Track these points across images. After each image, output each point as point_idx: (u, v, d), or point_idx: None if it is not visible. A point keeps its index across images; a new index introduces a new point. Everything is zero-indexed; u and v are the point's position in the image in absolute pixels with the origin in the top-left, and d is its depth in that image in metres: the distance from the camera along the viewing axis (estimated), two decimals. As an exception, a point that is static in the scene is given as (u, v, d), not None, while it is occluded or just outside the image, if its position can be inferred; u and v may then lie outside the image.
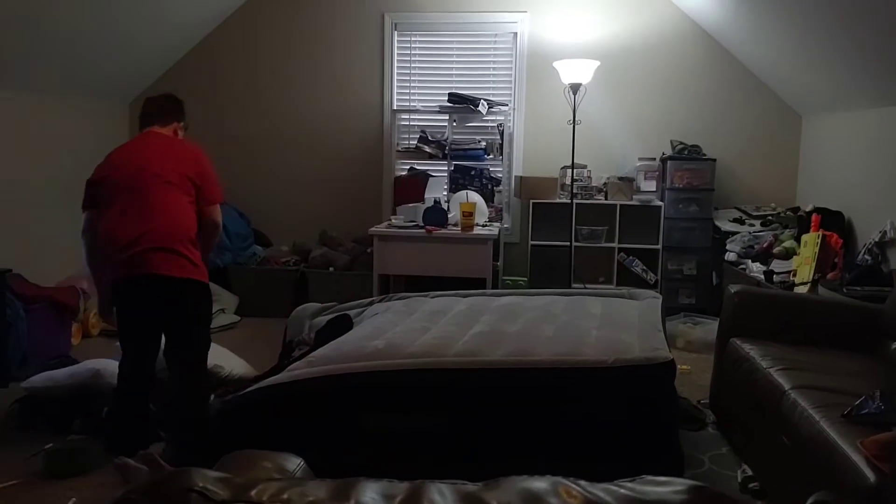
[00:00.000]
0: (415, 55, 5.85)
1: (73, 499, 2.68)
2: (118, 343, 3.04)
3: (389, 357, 2.75)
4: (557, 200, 5.44)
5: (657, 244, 5.44)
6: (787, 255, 4.58)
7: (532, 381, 2.61)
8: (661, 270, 5.48)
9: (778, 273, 4.38)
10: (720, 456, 3.11)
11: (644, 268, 5.53)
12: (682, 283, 5.46)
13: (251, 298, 5.43)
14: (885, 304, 3.24)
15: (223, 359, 3.65)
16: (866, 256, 4.15)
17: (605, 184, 5.51)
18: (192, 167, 2.91)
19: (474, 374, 2.63)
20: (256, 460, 1.61)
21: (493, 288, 4.81)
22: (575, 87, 4.97)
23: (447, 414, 2.62)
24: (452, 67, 5.82)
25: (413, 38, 5.84)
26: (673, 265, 5.46)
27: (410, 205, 5.18)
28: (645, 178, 5.46)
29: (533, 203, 5.46)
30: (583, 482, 1.17)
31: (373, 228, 4.98)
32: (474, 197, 5.12)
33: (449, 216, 4.91)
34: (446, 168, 5.57)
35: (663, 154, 5.50)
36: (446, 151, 5.55)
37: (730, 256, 5.02)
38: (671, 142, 5.50)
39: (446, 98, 5.45)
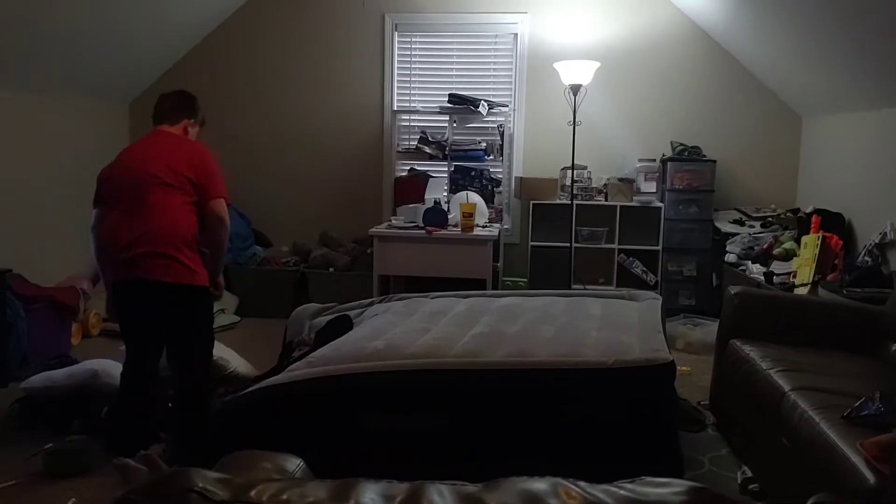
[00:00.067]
0: (415, 56, 5.86)
1: (73, 499, 2.68)
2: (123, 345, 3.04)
3: (389, 358, 2.75)
4: (557, 201, 5.44)
5: (657, 245, 5.44)
6: (788, 256, 4.58)
7: (532, 382, 2.61)
8: (661, 272, 5.48)
9: (778, 274, 4.38)
10: (720, 457, 3.11)
11: (644, 269, 5.53)
12: (682, 285, 5.46)
13: (251, 299, 5.43)
14: (886, 305, 3.24)
15: (227, 355, 3.65)
16: (866, 258, 4.15)
17: (605, 185, 5.51)
18: (190, 166, 2.85)
19: (474, 374, 2.63)
20: (256, 461, 1.61)
21: (492, 289, 4.81)
22: (575, 88, 4.97)
23: (447, 415, 2.62)
24: (453, 68, 5.82)
25: (413, 39, 5.84)
26: (673, 266, 5.46)
27: (410, 205, 5.19)
28: (645, 180, 5.46)
29: (533, 204, 5.46)
30: (582, 483, 1.17)
31: (373, 229, 4.98)
32: (474, 198, 5.12)
33: (449, 217, 4.91)
34: (446, 169, 5.58)
35: (663, 155, 5.50)
36: (446, 152, 5.55)
37: (730, 258, 5.02)
38: (671, 143, 5.51)
39: (446, 99, 5.46)
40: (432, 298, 3.86)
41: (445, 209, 4.98)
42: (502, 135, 5.56)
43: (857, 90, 4.47)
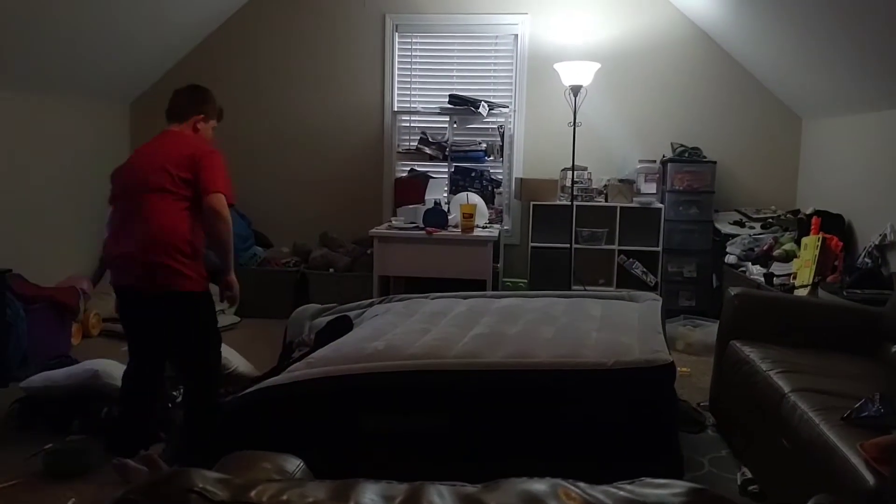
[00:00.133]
0: (416, 57, 5.86)
1: (73, 499, 2.68)
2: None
3: (389, 358, 2.75)
4: (558, 202, 5.44)
5: (657, 246, 5.44)
6: (788, 257, 4.58)
7: (532, 383, 2.61)
8: (661, 273, 5.48)
9: (778, 276, 4.38)
10: (720, 458, 3.11)
11: (644, 270, 5.53)
12: (682, 286, 5.46)
13: (251, 299, 5.39)
14: (885, 307, 3.24)
15: (228, 355, 3.65)
16: (866, 259, 4.14)
17: (605, 186, 5.51)
18: (187, 166, 2.78)
19: (474, 375, 2.63)
20: (256, 461, 1.60)
21: (493, 290, 4.81)
22: (575, 89, 4.97)
23: (447, 415, 2.62)
24: (453, 69, 5.82)
25: (414, 40, 5.84)
26: (673, 267, 5.46)
27: (411, 206, 5.19)
28: (645, 181, 5.46)
29: (533, 205, 5.46)
30: (582, 484, 1.17)
31: (373, 230, 4.98)
32: (475, 198, 5.13)
33: (449, 218, 4.92)
34: (447, 170, 5.58)
35: (664, 156, 5.50)
36: (447, 153, 5.55)
37: (730, 259, 5.02)
38: (671, 144, 5.51)
39: (447, 100, 5.46)
40: (432, 299, 3.86)
41: (446, 210, 4.98)
42: (502, 136, 5.56)
43: (857, 91, 4.48)
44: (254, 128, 5.94)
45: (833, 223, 4.60)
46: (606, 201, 5.48)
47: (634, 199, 5.46)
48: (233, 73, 5.93)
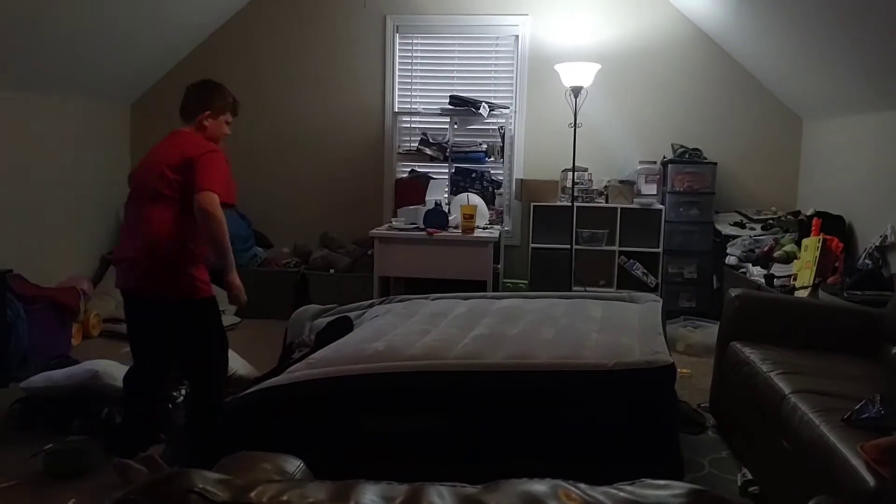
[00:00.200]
0: (416, 58, 5.86)
1: (73, 499, 2.68)
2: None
3: (389, 359, 2.75)
4: (558, 203, 5.44)
5: (658, 248, 5.44)
6: (788, 258, 4.58)
7: (532, 384, 2.61)
8: (662, 274, 5.48)
9: (778, 277, 4.38)
10: (720, 460, 3.11)
11: (644, 271, 5.53)
12: (683, 287, 5.46)
13: (251, 300, 5.25)
14: (886, 308, 3.24)
15: (228, 356, 3.64)
16: (867, 260, 4.14)
17: (605, 187, 5.51)
18: (181, 167, 2.71)
19: (474, 376, 2.63)
20: (256, 462, 1.60)
21: (493, 290, 4.81)
22: (576, 90, 4.97)
23: (447, 416, 2.62)
24: (454, 70, 5.82)
25: (415, 41, 5.84)
26: (673, 269, 5.46)
27: (411, 207, 5.19)
28: (646, 182, 5.46)
29: (534, 206, 5.47)
30: (582, 485, 1.17)
31: (373, 230, 4.98)
32: (475, 199, 5.13)
33: (450, 218, 4.92)
34: (447, 170, 5.58)
35: (664, 157, 5.50)
36: (447, 154, 5.55)
37: (730, 260, 5.02)
38: (672, 145, 5.50)
39: (447, 100, 5.46)
40: (433, 300, 3.86)
41: (446, 211, 4.98)
42: (503, 136, 5.56)
43: (858, 91, 4.48)
44: (254, 128, 5.93)
45: (833, 224, 4.60)
46: (607, 202, 5.48)
47: (635, 200, 5.46)
48: (233, 74, 5.90)
